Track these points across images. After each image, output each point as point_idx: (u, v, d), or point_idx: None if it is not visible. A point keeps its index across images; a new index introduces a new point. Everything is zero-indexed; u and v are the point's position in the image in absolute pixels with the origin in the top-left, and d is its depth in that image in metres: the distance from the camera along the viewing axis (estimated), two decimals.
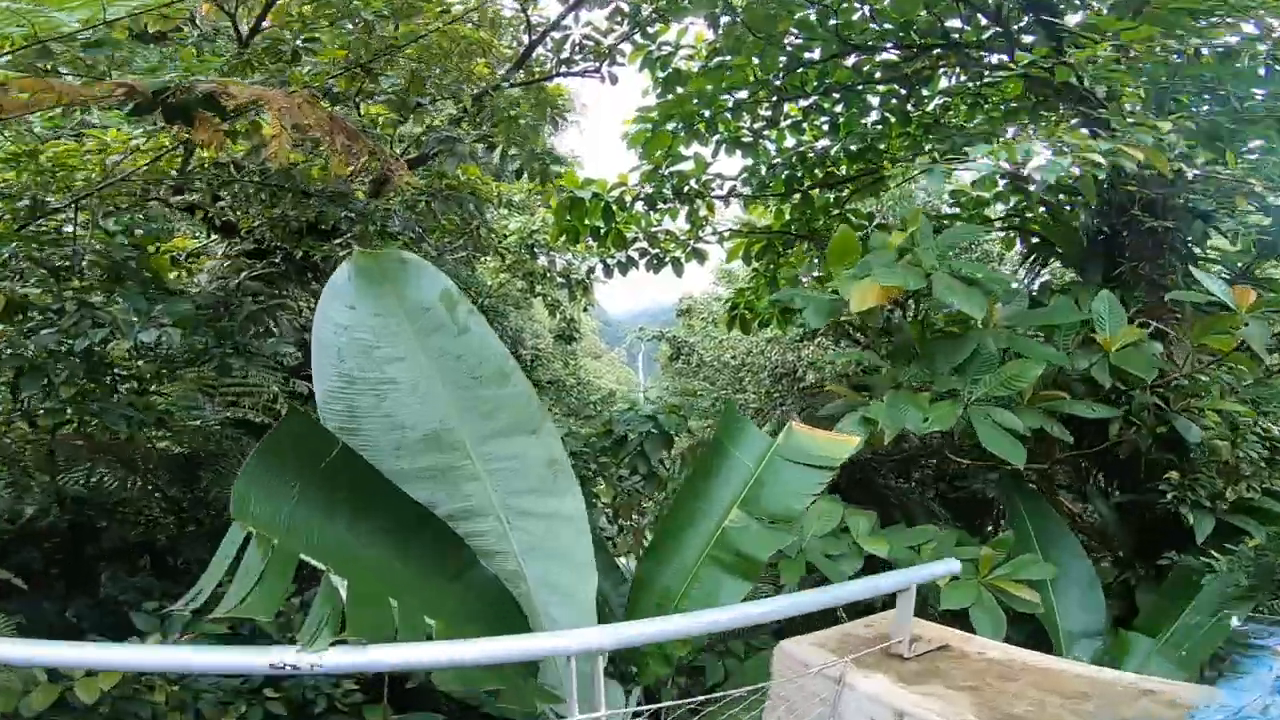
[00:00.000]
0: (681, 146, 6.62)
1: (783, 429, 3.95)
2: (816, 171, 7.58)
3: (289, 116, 2.70)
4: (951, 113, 7.64)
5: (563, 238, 6.88)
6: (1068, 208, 5.45)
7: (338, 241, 5.46)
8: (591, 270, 7.47)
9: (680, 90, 6.47)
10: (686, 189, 6.90)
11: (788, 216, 7.92)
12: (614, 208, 6.72)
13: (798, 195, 7.44)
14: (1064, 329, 4.23)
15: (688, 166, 6.81)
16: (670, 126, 6.48)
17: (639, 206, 6.94)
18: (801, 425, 3.91)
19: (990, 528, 6.94)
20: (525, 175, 5.17)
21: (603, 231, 6.92)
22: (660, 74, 6.28)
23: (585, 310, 10.06)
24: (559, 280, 9.65)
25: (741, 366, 11.05)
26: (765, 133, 7.39)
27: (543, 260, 9.35)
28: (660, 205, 6.94)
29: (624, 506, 5.42)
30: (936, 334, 4.54)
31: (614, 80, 5.93)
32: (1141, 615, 4.13)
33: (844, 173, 7.64)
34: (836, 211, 7.69)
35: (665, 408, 5.27)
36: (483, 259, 12.78)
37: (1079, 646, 3.90)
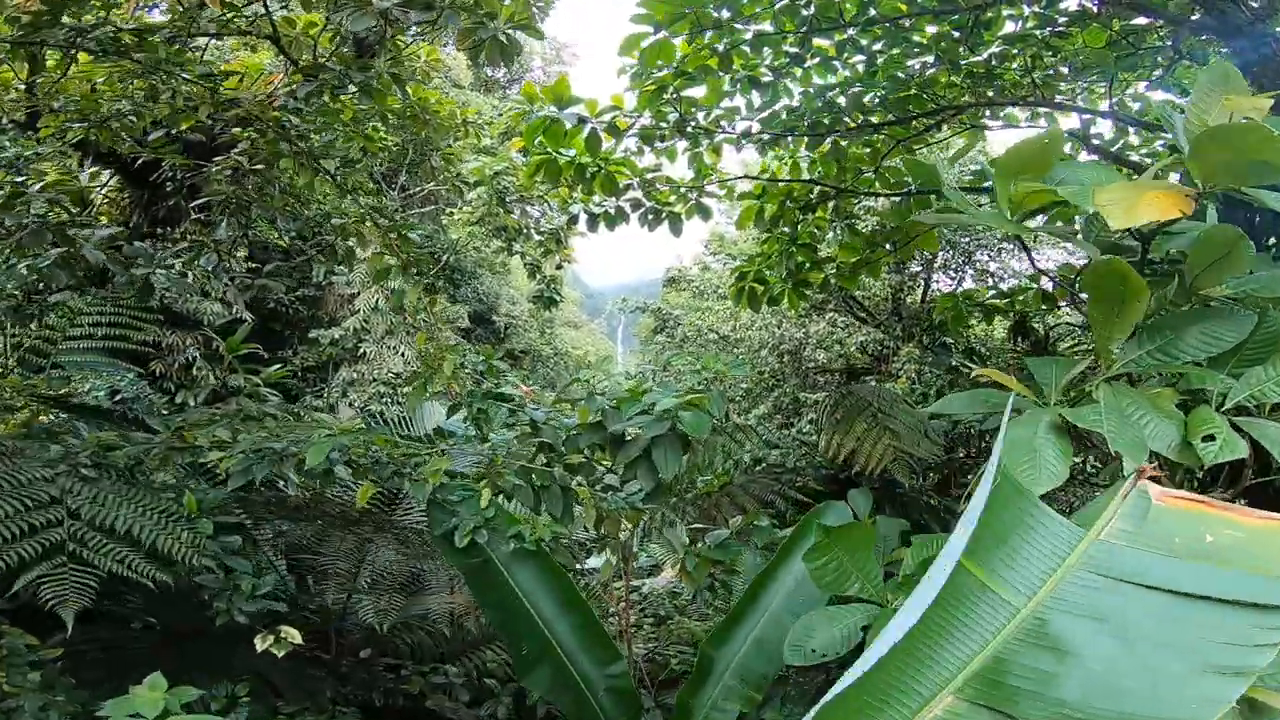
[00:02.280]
0: (690, 68, 5.25)
1: (1120, 496, 1.66)
2: (847, 120, 6.34)
3: None
4: (1007, 63, 6.50)
5: (538, 175, 5.50)
6: None
7: (218, 159, 4.06)
8: (574, 219, 6.10)
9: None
10: (693, 124, 5.54)
11: (806, 174, 6.70)
12: (602, 137, 5.29)
13: (827, 144, 6.17)
14: None
15: (698, 93, 5.45)
16: (676, 40, 5.14)
17: (631, 142, 5.56)
18: (1177, 494, 1.67)
19: None
20: (483, 55, 3.72)
21: (590, 172, 5.55)
22: None
23: (559, 268, 8.79)
24: (536, 236, 8.33)
25: (739, 341, 9.86)
26: (790, 70, 6.11)
27: (515, 214, 8.01)
28: (657, 142, 5.56)
29: (610, 519, 4.11)
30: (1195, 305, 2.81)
31: None
32: None
33: (878, 124, 6.40)
34: (871, 169, 6.45)
35: (684, 397, 3.53)
36: (450, 213, 11.41)
37: None
